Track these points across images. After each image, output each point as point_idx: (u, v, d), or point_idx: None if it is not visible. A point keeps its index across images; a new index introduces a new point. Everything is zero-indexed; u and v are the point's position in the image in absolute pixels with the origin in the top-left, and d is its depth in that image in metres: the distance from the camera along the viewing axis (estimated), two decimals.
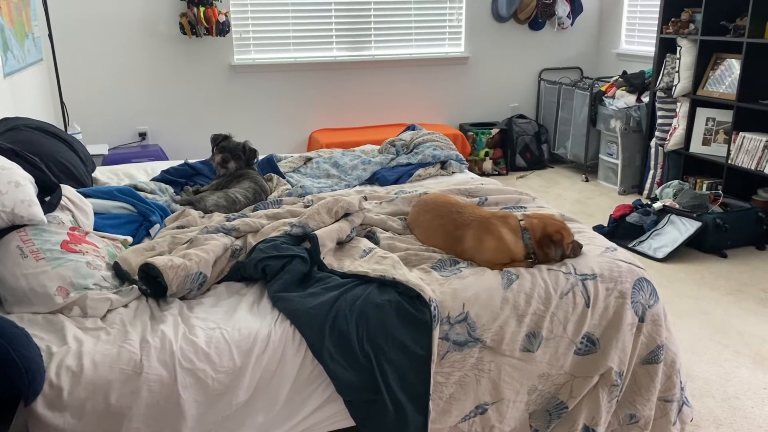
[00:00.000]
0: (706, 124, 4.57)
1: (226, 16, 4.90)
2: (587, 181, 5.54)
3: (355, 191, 2.89)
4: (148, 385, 1.66)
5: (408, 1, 5.54)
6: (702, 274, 3.65)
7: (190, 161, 3.30)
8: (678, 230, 3.94)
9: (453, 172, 3.37)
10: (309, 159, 3.51)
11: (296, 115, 5.49)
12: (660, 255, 3.83)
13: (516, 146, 5.84)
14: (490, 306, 1.96)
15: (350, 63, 5.49)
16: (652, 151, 4.94)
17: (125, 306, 1.92)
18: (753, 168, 4.12)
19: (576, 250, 2.17)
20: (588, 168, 5.56)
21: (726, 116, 4.44)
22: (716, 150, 4.51)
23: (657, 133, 4.90)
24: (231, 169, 2.95)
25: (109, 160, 4.55)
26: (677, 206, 4.10)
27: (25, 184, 2.00)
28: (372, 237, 2.33)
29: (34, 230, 1.95)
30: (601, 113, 5.29)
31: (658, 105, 4.89)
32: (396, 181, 3.19)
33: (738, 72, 4.24)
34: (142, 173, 3.33)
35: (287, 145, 5.52)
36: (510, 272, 2.06)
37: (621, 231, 4.12)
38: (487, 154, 5.71)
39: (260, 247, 2.09)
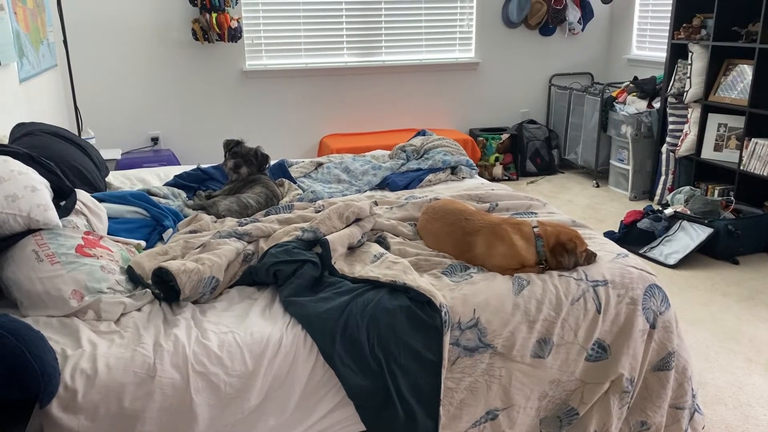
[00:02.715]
0: (718, 130, 4.55)
1: (238, 22, 4.94)
2: (598, 186, 5.53)
3: (366, 196, 2.90)
4: (161, 389, 1.67)
5: (418, 7, 5.56)
6: (714, 281, 3.63)
7: (203, 166, 3.33)
8: (689, 236, 3.92)
9: (463, 178, 3.38)
10: (320, 164, 3.53)
11: (307, 121, 5.52)
12: (671, 261, 3.82)
13: (526, 151, 5.84)
14: (500, 312, 1.96)
15: (361, 68, 5.52)
16: (664, 156, 4.93)
17: (139, 310, 1.93)
18: (765, 174, 4.10)
19: (590, 258, 2.17)
20: (599, 173, 5.55)
21: (738, 122, 4.42)
22: (728, 156, 4.49)
23: (668, 139, 4.89)
24: (243, 175, 2.97)
25: (122, 164, 4.59)
26: (689, 212, 4.08)
27: (41, 188, 2.03)
28: (382, 242, 2.34)
29: (50, 234, 1.98)
30: (611, 119, 5.28)
31: (669, 111, 4.87)
32: (406, 187, 3.20)
33: (750, 78, 4.23)
34: (154, 178, 3.36)
35: (298, 150, 5.55)
36: (521, 278, 2.06)
37: (632, 237, 4.11)
38: (497, 159, 5.72)
39: (272, 252, 2.10)
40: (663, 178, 4.95)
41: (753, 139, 4.18)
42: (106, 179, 3.25)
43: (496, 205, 2.65)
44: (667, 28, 5.03)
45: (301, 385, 1.81)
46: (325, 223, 2.24)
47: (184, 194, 3.02)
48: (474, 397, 1.95)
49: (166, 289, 1.98)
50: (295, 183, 3.21)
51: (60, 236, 1.99)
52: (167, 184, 3.15)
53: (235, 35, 4.94)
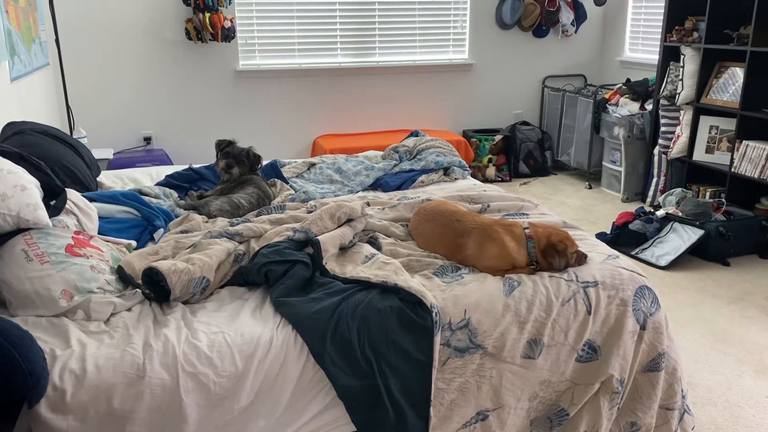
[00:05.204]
0: (710, 132, 4.57)
1: (231, 21, 4.93)
2: (590, 188, 5.55)
3: (358, 197, 2.90)
4: (151, 389, 1.67)
5: (412, 8, 5.56)
6: (704, 282, 3.64)
7: (195, 166, 3.32)
8: (681, 238, 3.94)
9: (456, 179, 3.38)
10: (312, 164, 3.53)
11: (300, 121, 5.51)
12: (663, 263, 3.83)
13: (519, 153, 5.85)
14: (491, 312, 1.97)
15: (354, 69, 5.51)
16: (656, 158, 4.95)
17: (129, 310, 1.93)
18: (756, 176, 4.12)
19: (581, 259, 2.18)
20: (591, 175, 5.57)
21: (729, 124, 4.44)
22: (719, 158, 4.51)
23: (660, 141, 4.91)
24: (235, 175, 2.96)
25: (114, 164, 4.58)
26: (680, 214, 4.10)
27: (31, 188, 2.02)
28: (374, 243, 2.34)
29: (39, 234, 1.97)
30: (604, 120, 5.30)
31: (661, 113, 4.89)
32: (399, 187, 3.20)
33: (741, 80, 4.25)
34: (146, 178, 3.35)
35: (291, 151, 5.54)
36: (512, 279, 2.06)
37: (624, 238, 4.12)
38: (490, 160, 5.72)
39: (263, 252, 2.10)
40: (655, 179, 4.97)
41: (744, 141, 4.21)
42: (98, 179, 3.23)
43: (488, 206, 2.65)
44: (660, 30, 5.05)
45: (292, 385, 1.81)
46: (316, 224, 2.24)
47: (175, 194, 3.01)
48: (464, 398, 1.95)
49: (156, 289, 1.97)
50: (287, 183, 3.20)
51: (50, 236, 1.98)
52: (159, 184, 3.14)
53: (228, 35, 4.93)
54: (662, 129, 4.89)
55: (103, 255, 2.06)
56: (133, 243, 2.34)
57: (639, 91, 5.16)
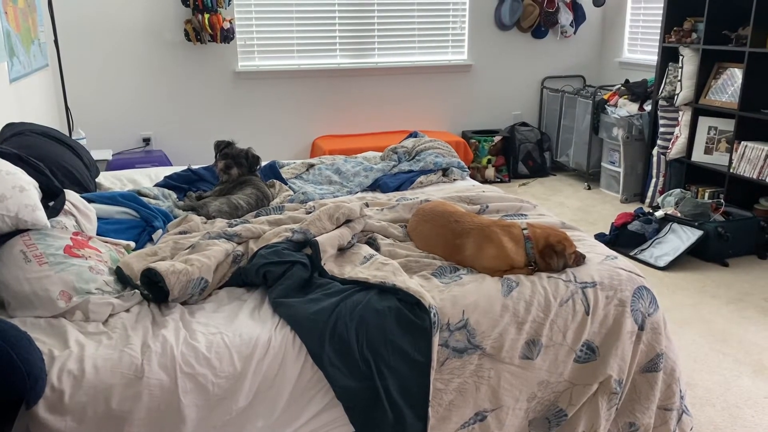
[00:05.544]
0: (708, 133, 4.58)
1: (230, 23, 4.93)
2: (589, 189, 5.55)
3: (357, 198, 2.90)
4: (149, 390, 1.67)
5: (411, 9, 5.57)
6: (703, 283, 3.65)
7: (194, 167, 3.32)
8: (680, 239, 3.94)
9: (455, 180, 3.38)
10: (311, 165, 3.53)
11: (299, 122, 5.51)
12: (661, 263, 3.84)
13: (518, 154, 5.85)
14: (489, 313, 1.97)
15: (353, 70, 5.52)
16: (654, 159, 4.95)
17: (127, 311, 1.93)
18: (755, 177, 4.12)
19: (579, 260, 2.18)
20: (590, 176, 5.57)
21: (728, 125, 4.45)
22: (718, 159, 4.52)
23: (659, 142, 4.91)
24: (234, 176, 2.96)
25: (113, 165, 4.58)
26: (679, 215, 4.10)
27: (30, 188, 2.02)
28: (373, 243, 2.34)
29: (38, 235, 1.97)
30: (603, 121, 5.30)
31: (660, 114, 4.90)
32: (398, 188, 3.21)
33: (740, 81, 4.25)
34: (145, 179, 3.35)
35: (290, 152, 5.55)
36: (510, 279, 2.07)
37: (623, 239, 4.12)
38: (489, 161, 5.73)
39: (261, 253, 2.10)
40: (654, 180, 4.97)
41: (743, 142, 4.21)
42: (97, 180, 3.24)
43: (487, 206, 2.66)
44: (659, 31, 5.06)
45: (290, 386, 1.81)
46: (315, 225, 2.24)
47: (174, 195, 3.01)
48: (463, 399, 1.95)
49: (154, 290, 1.97)
50: (286, 184, 3.21)
51: (48, 237, 1.98)
52: (158, 185, 3.14)
53: (227, 36, 4.93)
54: (661, 130, 4.89)
55: (102, 256, 2.06)
56: (132, 244, 2.34)
57: (638, 92, 5.17)
